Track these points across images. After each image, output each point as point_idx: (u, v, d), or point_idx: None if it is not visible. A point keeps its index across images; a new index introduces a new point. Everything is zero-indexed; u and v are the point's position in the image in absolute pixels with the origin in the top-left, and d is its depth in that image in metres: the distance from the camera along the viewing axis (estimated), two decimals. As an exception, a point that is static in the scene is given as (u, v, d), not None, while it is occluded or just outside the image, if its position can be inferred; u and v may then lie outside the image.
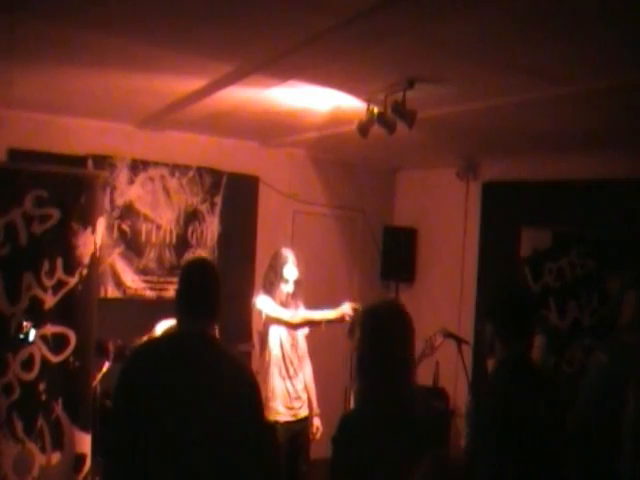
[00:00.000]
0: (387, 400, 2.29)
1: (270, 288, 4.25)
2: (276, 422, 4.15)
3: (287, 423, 4.23)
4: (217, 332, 2.74)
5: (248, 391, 2.56)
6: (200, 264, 2.91)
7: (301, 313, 4.28)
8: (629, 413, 3.04)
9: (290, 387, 4.27)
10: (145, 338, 4.04)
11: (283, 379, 4.26)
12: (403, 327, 2.36)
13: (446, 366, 5.60)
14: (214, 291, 2.62)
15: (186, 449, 2.39)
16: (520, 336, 2.67)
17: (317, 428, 4.40)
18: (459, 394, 5.75)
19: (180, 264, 5.61)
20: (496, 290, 2.94)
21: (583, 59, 3.07)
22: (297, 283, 4.28)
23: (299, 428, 4.33)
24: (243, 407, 2.49)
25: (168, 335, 2.72)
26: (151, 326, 4.26)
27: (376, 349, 2.32)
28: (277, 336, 4.26)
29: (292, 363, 4.30)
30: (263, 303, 4.21)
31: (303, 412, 4.36)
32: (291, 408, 4.28)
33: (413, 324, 2.39)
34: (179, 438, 2.39)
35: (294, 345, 4.32)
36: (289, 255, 4.27)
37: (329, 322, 4.22)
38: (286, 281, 4.22)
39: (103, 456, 3.83)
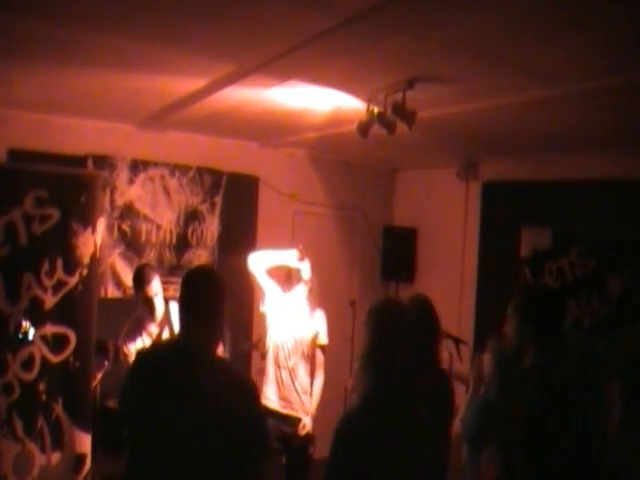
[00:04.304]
0: (388, 399, 2.28)
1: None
2: (264, 407, 4.09)
3: (276, 414, 4.27)
4: (215, 341, 2.59)
5: (241, 405, 2.46)
6: (197, 274, 2.77)
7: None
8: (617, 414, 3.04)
9: (285, 376, 4.36)
10: (125, 329, 4.17)
11: (277, 367, 4.37)
12: (405, 325, 2.34)
13: (445, 366, 5.58)
14: (210, 301, 2.54)
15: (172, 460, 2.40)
16: (556, 338, 2.59)
17: (304, 426, 4.38)
18: (459, 394, 5.73)
19: (180, 264, 5.61)
20: (532, 290, 2.79)
21: (583, 59, 3.07)
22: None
23: (291, 430, 4.35)
24: (231, 421, 2.42)
25: (162, 344, 2.70)
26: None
27: (378, 348, 2.31)
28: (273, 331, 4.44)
29: (287, 357, 4.39)
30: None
31: (297, 412, 4.37)
32: (283, 398, 4.34)
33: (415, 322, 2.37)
34: (160, 447, 2.42)
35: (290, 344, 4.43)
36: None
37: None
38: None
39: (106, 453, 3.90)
